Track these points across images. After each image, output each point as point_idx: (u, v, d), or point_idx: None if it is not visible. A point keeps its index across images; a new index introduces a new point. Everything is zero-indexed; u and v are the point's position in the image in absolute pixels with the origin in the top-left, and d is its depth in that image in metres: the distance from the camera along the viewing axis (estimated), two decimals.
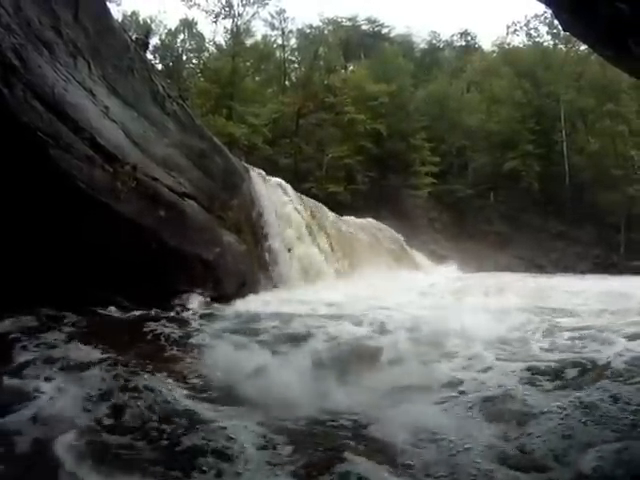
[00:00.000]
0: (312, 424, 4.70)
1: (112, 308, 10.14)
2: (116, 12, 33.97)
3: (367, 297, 13.61)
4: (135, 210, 10.26)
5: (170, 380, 5.90)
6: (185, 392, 5.50)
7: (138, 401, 4.98)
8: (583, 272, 31.02)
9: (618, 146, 39.37)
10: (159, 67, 39.58)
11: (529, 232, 36.61)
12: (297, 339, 7.85)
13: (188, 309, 11.00)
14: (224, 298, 12.26)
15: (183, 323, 9.52)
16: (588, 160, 40.05)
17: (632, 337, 7.79)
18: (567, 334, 8.56)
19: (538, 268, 31.49)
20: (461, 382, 5.96)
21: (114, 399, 5.04)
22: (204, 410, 4.95)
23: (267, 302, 12.31)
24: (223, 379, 5.87)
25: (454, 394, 5.57)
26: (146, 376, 5.86)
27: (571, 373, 6.20)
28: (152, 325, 8.98)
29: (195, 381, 6.02)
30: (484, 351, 7.25)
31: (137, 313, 10.07)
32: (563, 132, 41.12)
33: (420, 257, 28.00)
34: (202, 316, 10.35)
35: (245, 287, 13.37)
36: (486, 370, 6.49)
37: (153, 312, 10.20)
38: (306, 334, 8.17)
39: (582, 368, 6.32)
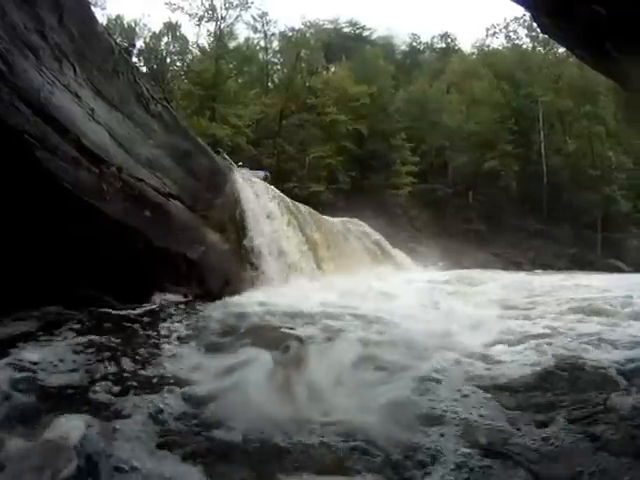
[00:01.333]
0: None
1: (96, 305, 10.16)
2: (101, 16, 34.44)
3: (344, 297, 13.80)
4: (120, 210, 10.41)
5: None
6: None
7: None
8: (560, 269, 31.80)
9: (595, 147, 40.11)
10: (143, 70, 39.85)
11: (507, 230, 37.33)
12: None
13: (171, 306, 11.14)
14: (208, 296, 12.40)
15: (159, 321, 9.58)
16: (566, 160, 40.84)
17: None
18: None
19: (516, 265, 31.98)
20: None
21: None
22: None
23: (248, 302, 12.27)
24: None
25: None
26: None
27: None
28: (128, 323, 9.15)
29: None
30: None
31: (122, 312, 10.09)
32: (541, 133, 41.80)
33: (400, 255, 28.27)
34: (181, 315, 10.41)
35: (229, 286, 13.53)
36: None
37: (136, 310, 10.27)
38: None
39: None
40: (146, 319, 9.62)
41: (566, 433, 4.57)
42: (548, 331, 9.12)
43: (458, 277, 20.67)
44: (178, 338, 8.19)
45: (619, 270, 33.24)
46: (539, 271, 31.58)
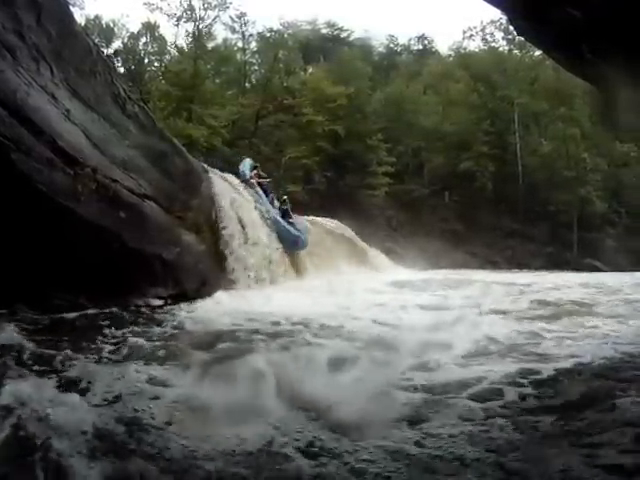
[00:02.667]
0: None
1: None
2: (79, 16, 34.20)
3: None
4: (96, 212, 10.41)
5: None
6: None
7: None
8: (537, 268, 32.24)
9: (570, 149, 40.59)
10: (121, 70, 39.63)
11: (483, 230, 37.74)
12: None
13: (146, 308, 11.18)
14: (184, 298, 12.39)
15: (123, 324, 9.34)
16: (541, 161, 41.37)
17: None
18: None
19: (492, 265, 32.30)
20: None
21: None
22: None
23: (221, 304, 12.30)
24: None
25: None
26: None
27: None
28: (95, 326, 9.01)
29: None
30: None
31: (91, 312, 10.08)
32: (517, 134, 42.23)
33: (377, 255, 28.45)
34: (150, 317, 10.36)
35: (205, 287, 13.53)
36: None
37: (108, 311, 10.22)
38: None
39: None
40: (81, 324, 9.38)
41: None
42: None
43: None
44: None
45: (596, 269, 33.83)
46: (516, 270, 32.05)
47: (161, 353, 7.18)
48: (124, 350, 7.32)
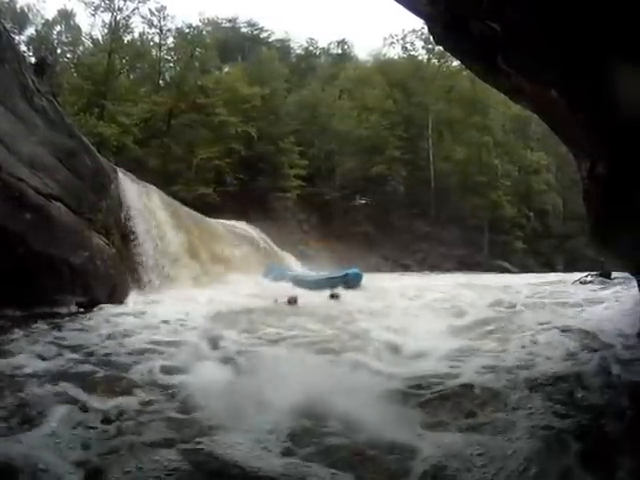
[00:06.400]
0: None
1: None
2: None
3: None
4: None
5: None
6: None
7: None
8: (449, 270, 33.12)
9: (483, 155, 42.18)
10: (32, 60, 37.76)
11: (395, 233, 38.53)
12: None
13: (52, 316, 10.44)
14: (94, 304, 11.78)
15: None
16: (454, 167, 42.84)
17: None
18: None
19: (404, 268, 32.87)
20: None
21: None
22: None
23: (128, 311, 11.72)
24: None
25: None
26: None
27: None
28: None
29: None
30: None
31: None
32: (430, 140, 43.29)
33: (289, 258, 28.42)
34: (53, 327, 9.36)
35: (115, 293, 13.04)
36: None
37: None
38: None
39: None
40: None
41: None
42: None
43: None
44: None
45: (506, 271, 35.18)
46: (427, 272, 32.83)
47: None
48: None
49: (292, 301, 14.24)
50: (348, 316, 11.68)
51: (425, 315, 11.91)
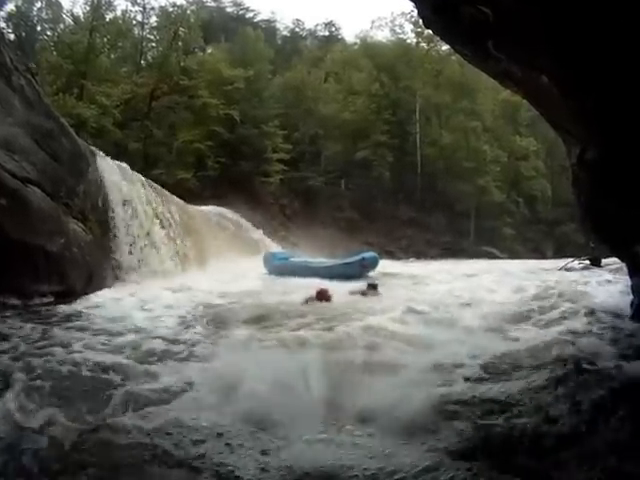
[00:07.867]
0: None
1: None
2: None
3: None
4: None
5: None
6: None
7: None
8: (433, 257, 32.92)
9: (471, 141, 41.86)
10: (11, 37, 36.72)
11: (380, 219, 38.33)
12: None
13: (27, 307, 10.17)
14: (70, 294, 11.47)
15: None
16: (441, 152, 42.44)
17: None
18: None
19: (388, 254, 32.54)
20: None
21: None
22: None
23: (108, 301, 11.43)
24: None
25: None
26: None
27: None
28: None
29: None
30: None
31: None
32: (417, 125, 42.85)
33: (272, 245, 28.06)
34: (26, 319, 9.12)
35: (92, 281, 12.65)
36: None
37: None
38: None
39: None
40: None
41: None
42: None
43: None
44: None
45: (493, 256, 35.13)
46: (412, 259, 32.58)
47: None
48: None
49: (323, 297, 11.34)
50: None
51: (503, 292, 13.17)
